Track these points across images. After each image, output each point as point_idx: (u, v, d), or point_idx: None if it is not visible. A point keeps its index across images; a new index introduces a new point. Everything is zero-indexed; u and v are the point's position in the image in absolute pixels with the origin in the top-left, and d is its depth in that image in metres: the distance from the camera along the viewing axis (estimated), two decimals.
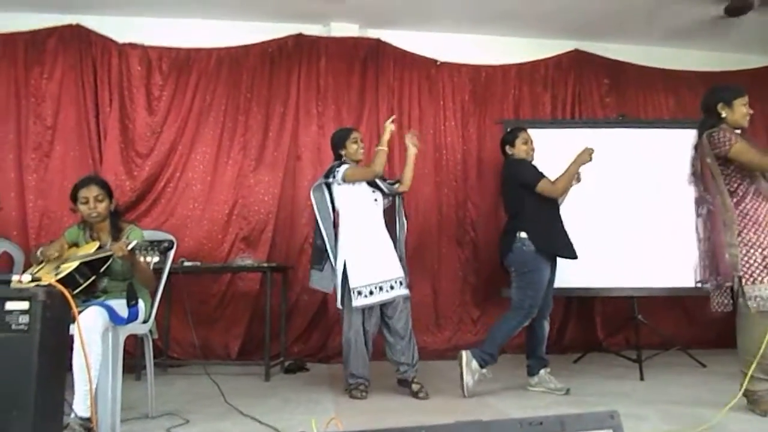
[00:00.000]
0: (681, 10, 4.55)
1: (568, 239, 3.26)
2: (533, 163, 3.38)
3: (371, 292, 3.10)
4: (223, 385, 3.06)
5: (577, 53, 5.07)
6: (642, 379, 3.50)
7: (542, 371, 3.23)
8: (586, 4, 4.51)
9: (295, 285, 4.41)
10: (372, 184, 3.28)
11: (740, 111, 2.73)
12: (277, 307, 4.06)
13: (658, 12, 4.61)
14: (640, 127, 4.47)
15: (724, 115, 2.73)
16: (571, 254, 3.23)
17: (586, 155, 3.20)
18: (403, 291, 3.18)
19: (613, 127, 4.43)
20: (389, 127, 3.31)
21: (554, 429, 0.98)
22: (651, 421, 2.50)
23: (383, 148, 3.25)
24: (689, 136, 4.33)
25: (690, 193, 4.29)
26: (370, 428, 2.31)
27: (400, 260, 3.27)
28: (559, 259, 3.28)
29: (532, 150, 3.39)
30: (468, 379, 3.04)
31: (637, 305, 3.95)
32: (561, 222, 3.30)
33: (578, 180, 3.29)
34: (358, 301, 3.09)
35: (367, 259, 3.16)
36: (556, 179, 3.21)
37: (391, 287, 3.13)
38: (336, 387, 3.36)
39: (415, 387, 3.09)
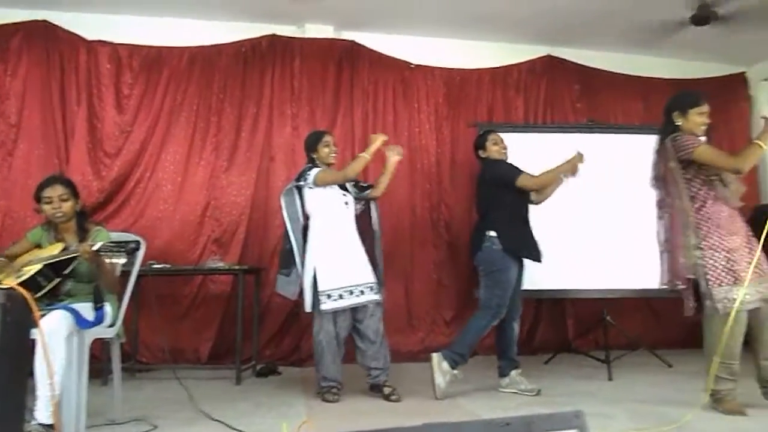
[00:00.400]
0: (650, 18, 4.66)
1: (535, 242, 3.32)
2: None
3: (341, 296, 3.08)
4: (193, 390, 3.01)
5: (549, 58, 5.15)
6: (610, 379, 3.56)
7: (513, 372, 3.27)
8: (559, 10, 4.58)
9: (268, 287, 4.35)
10: (343, 187, 3.27)
11: (694, 120, 2.79)
12: (249, 310, 4.01)
13: (628, 20, 4.71)
14: (609, 132, 4.56)
15: (678, 122, 2.81)
16: (536, 257, 3.28)
17: (574, 163, 3.25)
18: (374, 296, 3.16)
19: (584, 132, 4.51)
20: (379, 140, 3.29)
21: (521, 430, 0.99)
22: (618, 420, 2.55)
23: (365, 155, 3.23)
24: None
25: (655, 197, 4.42)
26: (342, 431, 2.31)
27: (376, 267, 3.26)
28: (528, 261, 3.33)
29: (504, 149, 3.45)
30: (440, 380, 3.05)
31: (605, 307, 4.02)
32: (529, 225, 3.35)
33: (566, 178, 3.33)
34: (326, 305, 3.07)
35: (337, 262, 3.14)
36: (538, 175, 3.25)
37: (362, 292, 3.11)
38: (308, 390, 3.33)
39: (386, 390, 3.08)
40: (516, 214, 3.31)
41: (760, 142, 2.61)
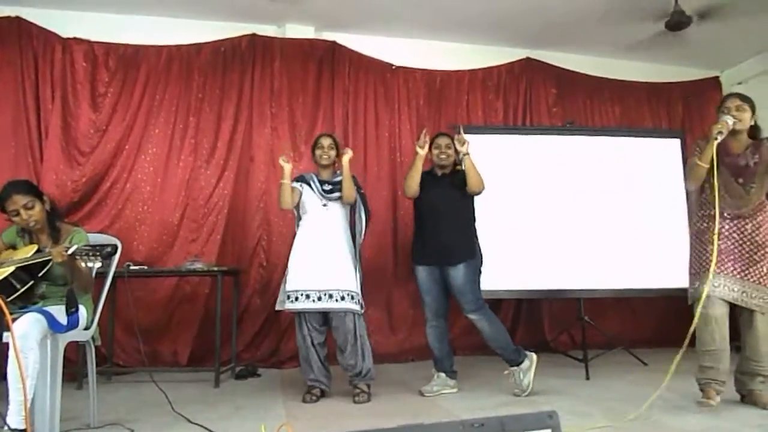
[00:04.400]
0: (626, 23, 4.74)
1: (417, 245, 3.37)
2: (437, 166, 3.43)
3: (296, 299, 3.08)
4: (170, 393, 2.97)
5: (528, 61, 5.21)
6: (588, 378, 3.61)
7: (443, 374, 3.30)
8: (538, 14, 4.64)
9: (247, 289, 4.34)
10: (326, 190, 3.25)
11: None
12: (228, 311, 3.98)
13: (605, 24, 4.79)
14: (588, 135, 4.63)
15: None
16: (414, 260, 3.37)
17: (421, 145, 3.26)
18: (342, 305, 3.05)
19: (562, 134, 4.57)
20: (287, 167, 3.15)
21: (495, 430, 1.00)
22: (594, 418, 2.58)
23: (283, 182, 3.16)
24: (634, 144, 4.58)
25: (632, 198, 4.50)
26: None
27: (355, 268, 3.17)
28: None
29: (441, 154, 3.37)
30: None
31: (583, 306, 4.08)
32: (427, 229, 3.32)
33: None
34: (285, 305, 3.11)
35: (303, 264, 3.13)
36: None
37: (330, 296, 3.06)
38: (288, 392, 3.32)
39: (355, 391, 3.09)
40: (417, 220, 3.43)
41: (701, 162, 2.71)
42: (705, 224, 2.82)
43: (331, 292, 3.06)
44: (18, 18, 4.23)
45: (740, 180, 2.77)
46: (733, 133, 2.75)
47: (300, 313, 3.13)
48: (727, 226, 2.77)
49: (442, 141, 3.39)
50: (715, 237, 2.69)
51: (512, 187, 4.25)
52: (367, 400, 3.06)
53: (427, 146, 3.27)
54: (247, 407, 2.99)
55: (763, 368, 2.68)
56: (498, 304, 4.53)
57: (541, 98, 5.19)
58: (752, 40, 5.06)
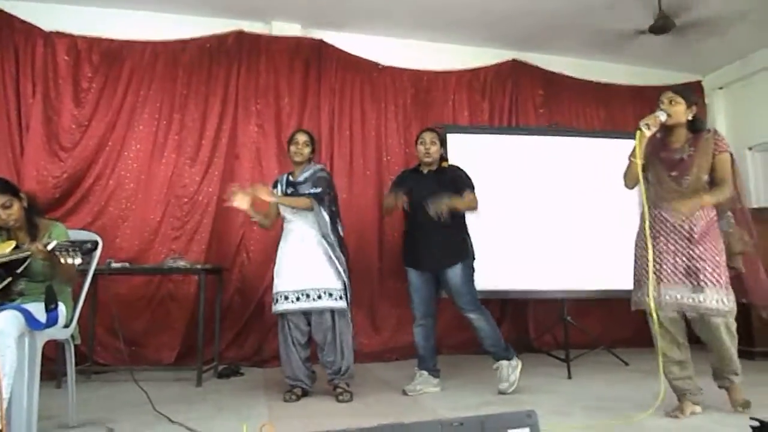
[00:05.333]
0: (611, 26, 4.80)
1: (407, 248, 3.37)
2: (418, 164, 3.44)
3: (277, 300, 3.14)
4: (152, 392, 2.94)
5: (514, 63, 5.24)
6: (569, 377, 3.64)
7: (425, 372, 3.32)
8: (525, 16, 4.67)
9: (229, 287, 4.31)
10: (287, 190, 3.27)
11: None
12: (211, 310, 3.95)
13: (590, 27, 4.84)
14: (572, 136, 4.67)
15: None
16: (405, 262, 3.38)
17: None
18: (318, 304, 3.06)
19: (547, 135, 4.61)
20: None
21: (475, 429, 1.01)
22: (575, 418, 2.61)
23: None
24: (618, 145, 4.61)
25: (614, 200, 4.54)
26: None
27: (331, 265, 3.13)
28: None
29: (426, 150, 3.33)
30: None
31: (566, 307, 4.11)
32: (419, 230, 3.29)
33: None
34: (274, 307, 3.16)
35: (281, 267, 3.18)
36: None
37: (307, 296, 3.07)
38: (270, 391, 3.31)
39: (337, 390, 3.10)
40: (407, 223, 3.43)
41: (632, 158, 2.66)
42: (642, 224, 2.68)
43: (308, 292, 3.08)
44: None
45: (673, 173, 2.64)
46: (670, 127, 2.66)
47: (282, 314, 3.14)
48: (665, 227, 2.64)
49: (428, 136, 3.35)
50: (647, 237, 2.59)
51: (497, 187, 4.26)
52: (350, 399, 3.06)
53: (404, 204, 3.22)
54: (230, 406, 2.97)
55: (729, 367, 2.61)
56: (484, 304, 4.54)
57: (528, 100, 5.23)
58: (734, 45, 5.14)
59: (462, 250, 3.26)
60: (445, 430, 0.97)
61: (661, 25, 4.42)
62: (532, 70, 5.28)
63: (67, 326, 2.52)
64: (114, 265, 3.69)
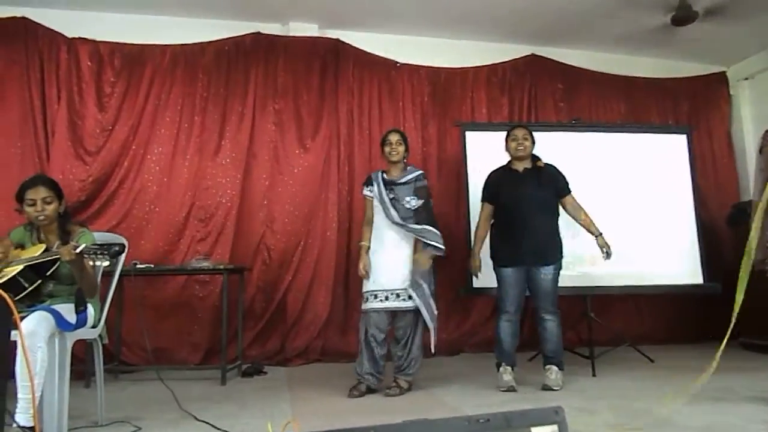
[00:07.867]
0: (632, 18, 4.72)
1: (503, 246, 3.35)
2: (498, 167, 3.50)
3: (366, 299, 3.21)
4: (177, 391, 2.98)
5: (533, 58, 5.19)
6: (594, 375, 3.60)
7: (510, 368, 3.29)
8: (543, 10, 4.62)
9: (251, 287, 4.35)
10: (389, 190, 3.28)
11: None
12: (234, 309, 3.99)
13: (610, 20, 4.77)
14: (594, 131, 4.61)
15: None
16: (499, 262, 3.36)
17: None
18: (407, 304, 3.15)
19: (568, 131, 4.55)
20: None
21: (501, 425, 1.00)
22: (601, 416, 2.57)
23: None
24: (641, 140, 4.55)
25: (638, 195, 4.46)
26: (322, 429, 2.30)
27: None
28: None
29: (519, 146, 3.38)
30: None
31: (590, 303, 4.06)
32: (508, 230, 3.34)
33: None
34: (363, 305, 3.23)
35: (374, 267, 3.24)
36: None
37: (397, 296, 3.16)
38: (294, 389, 3.33)
39: (391, 384, 3.17)
40: (497, 221, 3.46)
41: None
42: None
43: (398, 292, 3.16)
44: (24, 18, 4.26)
45: None
46: None
47: (365, 312, 3.21)
48: None
49: (519, 132, 3.38)
50: None
51: None
52: (398, 394, 3.11)
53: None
54: (253, 405, 2.99)
55: None
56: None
57: (547, 94, 5.17)
58: (759, 35, 5.02)
59: (559, 251, 3.32)
60: (472, 426, 0.97)
61: (684, 16, 4.34)
62: (551, 65, 5.22)
63: (94, 326, 2.56)
64: (139, 266, 3.74)
